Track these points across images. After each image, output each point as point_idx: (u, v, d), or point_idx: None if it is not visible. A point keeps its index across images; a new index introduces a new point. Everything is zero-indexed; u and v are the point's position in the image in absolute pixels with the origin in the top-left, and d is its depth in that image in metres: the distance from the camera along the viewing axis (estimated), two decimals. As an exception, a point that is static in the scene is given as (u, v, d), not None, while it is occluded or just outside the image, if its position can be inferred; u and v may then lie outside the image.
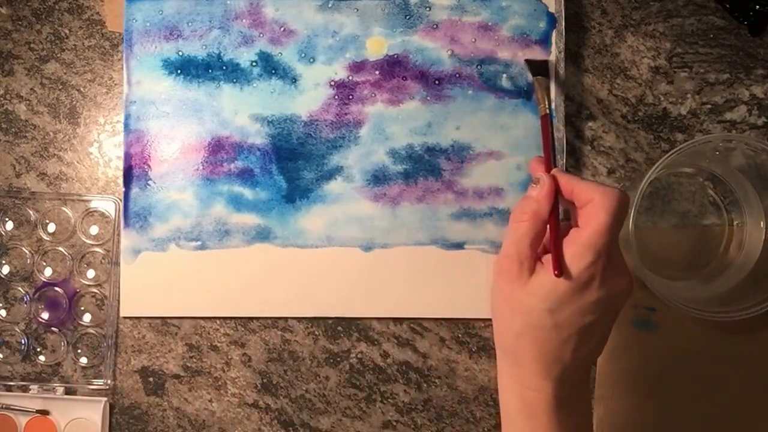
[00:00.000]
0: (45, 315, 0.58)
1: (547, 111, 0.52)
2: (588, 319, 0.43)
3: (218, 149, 0.57)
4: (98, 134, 0.59)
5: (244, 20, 0.57)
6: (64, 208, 0.59)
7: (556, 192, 0.46)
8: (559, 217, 0.46)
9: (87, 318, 0.58)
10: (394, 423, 0.58)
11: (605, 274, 0.43)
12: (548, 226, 0.45)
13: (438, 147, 0.57)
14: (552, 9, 0.57)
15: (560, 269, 0.42)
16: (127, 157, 0.57)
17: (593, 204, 0.43)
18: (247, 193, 0.57)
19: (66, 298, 0.58)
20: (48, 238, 0.58)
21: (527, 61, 0.56)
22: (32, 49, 0.59)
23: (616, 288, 0.44)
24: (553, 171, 0.47)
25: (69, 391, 0.58)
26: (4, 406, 0.58)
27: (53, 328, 0.58)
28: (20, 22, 0.59)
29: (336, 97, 0.57)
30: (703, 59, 0.58)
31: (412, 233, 0.57)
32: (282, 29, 0.57)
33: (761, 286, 0.53)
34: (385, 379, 0.58)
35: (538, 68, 0.55)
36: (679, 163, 0.58)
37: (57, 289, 0.58)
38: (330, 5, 0.57)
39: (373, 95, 0.57)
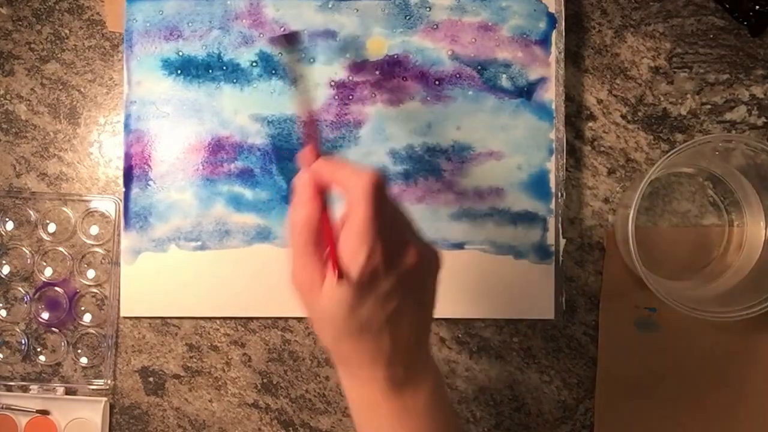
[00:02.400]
0: (45, 315, 0.58)
1: (308, 93, 0.49)
2: (390, 307, 0.41)
3: (218, 149, 0.57)
4: (98, 134, 0.59)
5: (244, 20, 0.57)
6: (64, 208, 0.59)
7: (322, 189, 0.42)
8: (332, 215, 0.43)
9: (87, 318, 0.58)
10: (394, 423, 0.58)
11: (388, 260, 0.41)
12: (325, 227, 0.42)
13: (438, 147, 0.57)
14: (552, 9, 0.57)
15: (341, 273, 0.40)
16: (128, 157, 0.57)
17: (350, 194, 0.40)
18: (247, 193, 0.57)
19: (66, 298, 0.58)
20: (48, 238, 0.58)
21: (274, 38, 0.54)
22: (32, 50, 0.59)
23: (406, 267, 0.41)
24: (316, 164, 0.43)
25: (69, 391, 0.58)
26: (4, 406, 0.58)
27: (53, 328, 0.58)
28: (20, 23, 0.59)
29: (336, 97, 0.57)
30: (703, 59, 0.58)
31: (412, 233, 0.57)
32: (282, 29, 0.57)
33: (761, 286, 0.53)
34: (385, 379, 0.58)
35: (291, 42, 0.52)
36: (679, 163, 0.58)
37: (57, 289, 0.58)
38: (330, 5, 0.57)
39: (373, 95, 0.57)
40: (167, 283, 0.57)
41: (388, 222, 0.41)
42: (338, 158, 0.45)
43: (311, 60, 0.57)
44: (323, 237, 0.42)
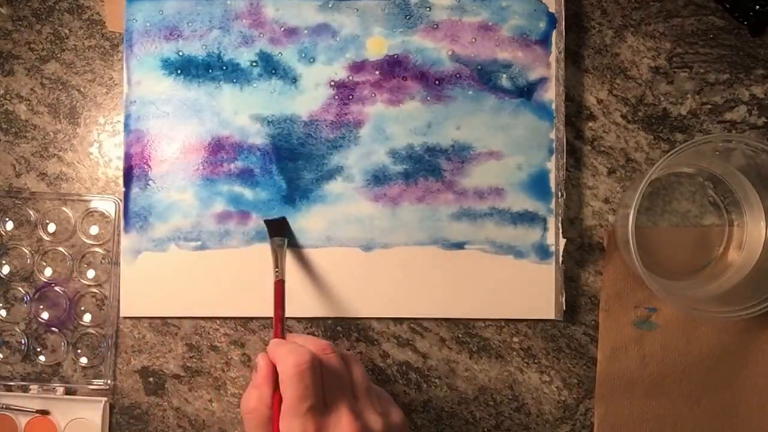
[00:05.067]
0: (45, 315, 0.58)
1: (282, 277, 0.52)
2: None
3: (218, 149, 0.57)
4: (98, 134, 0.59)
5: (244, 20, 0.57)
6: (64, 208, 0.59)
7: (275, 371, 0.46)
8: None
9: (87, 318, 0.58)
10: (394, 423, 0.58)
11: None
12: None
13: (438, 147, 0.57)
14: (552, 9, 0.57)
15: None
16: (127, 157, 0.57)
17: (280, 377, 0.45)
18: (247, 193, 0.57)
19: (66, 298, 0.58)
20: (48, 238, 0.58)
21: (266, 221, 0.56)
22: (32, 49, 0.59)
23: None
24: (270, 345, 0.48)
25: (69, 391, 0.58)
26: (4, 406, 0.58)
27: (53, 328, 0.58)
28: (20, 22, 0.59)
29: (336, 97, 0.57)
30: (703, 59, 0.58)
31: (412, 233, 0.57)
32: (282, 29, 0.57)
33: (761, 286, 0.53)
34: (385, 380, 0.58)
35: (275, 228, 0.55)
36: (679, 163, 0.58)
37: (57, 289, 0.58)
38: (330, 5, 0.57)
39: (373, 95, 0.57)
40: (167, 283, 0.57)
41: (316, 401, 0.44)
42: (297, 337, 0.50)
43: (311, 60, 0.57)
44: (273, 417, 0.45)
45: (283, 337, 0.50)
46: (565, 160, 0.57)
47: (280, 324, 0.51)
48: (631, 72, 0.58)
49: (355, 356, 0.50)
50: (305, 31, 0.57)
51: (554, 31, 0.57)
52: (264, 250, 0.57)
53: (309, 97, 0.57)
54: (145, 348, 0.58)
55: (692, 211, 0.58)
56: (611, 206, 0.58)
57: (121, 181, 0.58)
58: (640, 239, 0.57)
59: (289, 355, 0.45)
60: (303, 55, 0.57)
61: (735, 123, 0.58)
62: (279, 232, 0.55)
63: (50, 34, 0.59)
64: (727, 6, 0.58)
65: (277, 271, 0.53)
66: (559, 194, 0.57)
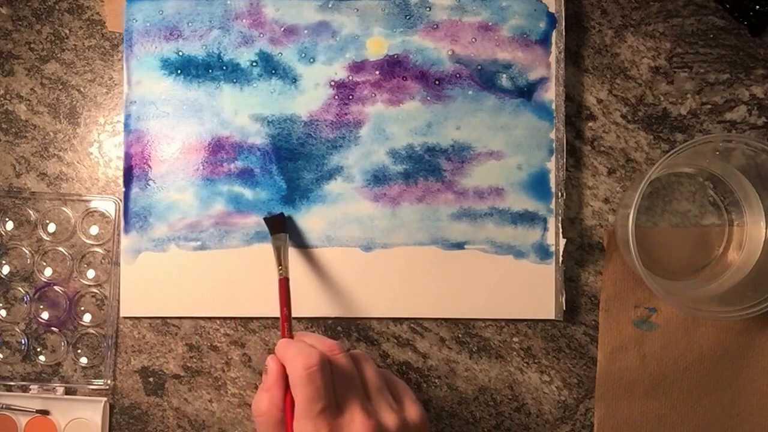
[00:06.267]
0: (45, 315, 0.58)
1: (286, 275, 0.52)
2: None
3: (218, 149, 0.57)
4: (98, 134, 0.59)
5: (244, 20, 0.57)
6: (64, 208, 0.59)
7: (285, 373, 0.46)
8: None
9: (87, 318, 0.58)
10: (394, 423, 0.58)
11: None
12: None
13: (438, 147, 0.57)
14: (552, 9, 0.57)
15: None
16: (127, 157, 0.57)
17: (290, 379, 0.45)
18: (247, 193, 0.57)
19: (66, 298, 0.58)
20: (48, 238, 0.58)
21: (265, 219, 0.56)
22: (32, 49, 0.59)
23: None
24: (277, 345, 0.48)
25: (69, 391, 0.58)
26: (4, 406, 0.58)
27: (53, 328, 0.58)
28: (20, 22, 0.59)
29: (336, 97, 0.57)
30: (703, 59, 0.58)
31: (412, 233, 0.57)
32: (282, 29, 0.57)
33: (761, 286, 0.53)
34: (385, 379, 0.58)
35: (275, 225, 0.55)
36: (679, 163, 0.58)
37: (57, 289, 0.58)
38: (330, 5, 0.57)
39: (373, 95, 0.57)
40: (167, 283, 0.57)
41: (326, 405, 0.44)
42: (305, 336, 0.49)
43: (311, 60, 0.57)
44: (286, 419, 0.45)
45: (291, 337, 0.50)
46: (565, 160, 0.57)
47: (287, 323, 0.50)
48: (631, 72, 0.58)
49: (364, 355, 0.49)
50: (305, 31, 0.57)
51: (554, 31, 0.57)
52: (264, 249, 0.57)
53: (309, 97, 0.57)
54: (145, 348, 0.58)
55: (692, 211, 0.58)
56: (611, 206, 0.58)
57: (121, 181, 0.58)
58: (640, 239, 0.57)
59: (299, 357, 0.44)
60: (303, 55, 0.57)
61: (735, 123, 0.58)
62: (279, 228, 0.55)
63: (50, 34, 0.59)
64: (727, 6, 0.58)
65: (281, 269, 0.53)
66: (559, 194, 0.57)
